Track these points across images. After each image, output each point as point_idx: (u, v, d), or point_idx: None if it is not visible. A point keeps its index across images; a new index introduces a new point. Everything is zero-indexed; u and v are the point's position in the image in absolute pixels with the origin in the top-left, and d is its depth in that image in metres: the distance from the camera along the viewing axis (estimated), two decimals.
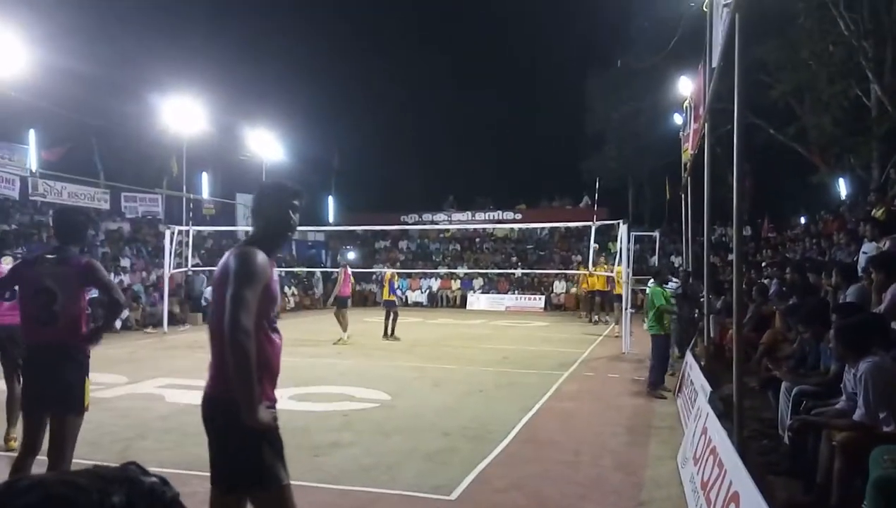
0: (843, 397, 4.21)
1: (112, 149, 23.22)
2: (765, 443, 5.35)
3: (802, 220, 21.16)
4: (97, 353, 12.26)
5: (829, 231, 12.49)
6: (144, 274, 18.81)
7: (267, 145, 26.96)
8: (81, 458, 5.34)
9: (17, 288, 4.02)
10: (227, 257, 2.61)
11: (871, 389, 3.72)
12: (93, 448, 5.67)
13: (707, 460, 4.15)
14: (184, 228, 17.47)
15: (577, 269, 21.89)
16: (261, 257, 2.53)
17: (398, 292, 16.10)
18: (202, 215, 24.52)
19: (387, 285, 14.16)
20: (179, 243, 17.31)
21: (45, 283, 3.78)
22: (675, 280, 10.58)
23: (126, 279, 17.69)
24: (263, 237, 2.70)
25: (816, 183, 20.92)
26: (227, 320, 2.40)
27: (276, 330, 2.66)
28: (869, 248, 7.04)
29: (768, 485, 4.30)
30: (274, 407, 2.62)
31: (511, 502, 4.48)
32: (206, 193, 26.95)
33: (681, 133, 14.27)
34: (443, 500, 4.46)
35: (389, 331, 13.81)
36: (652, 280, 9.25)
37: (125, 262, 18.94)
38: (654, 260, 20.99)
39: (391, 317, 13.79)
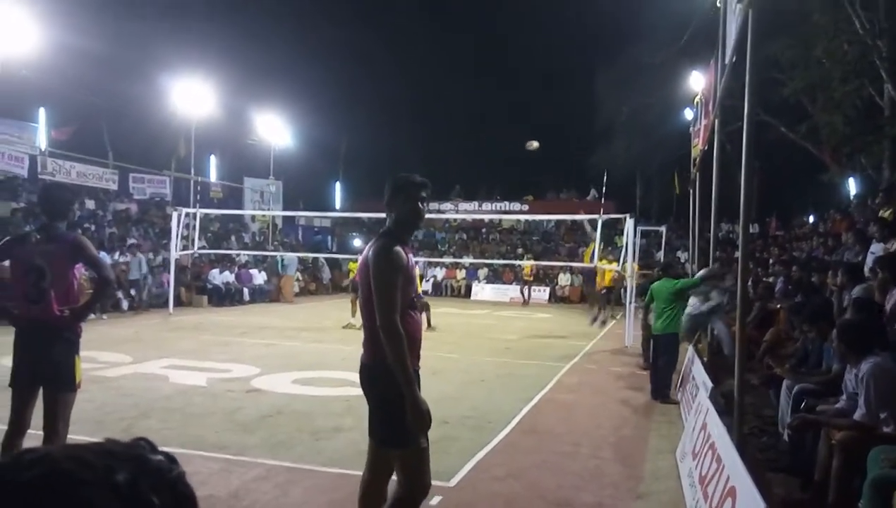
0: (844, 396, 4.22)
1: (121, 129, 23.29)
2: (764, 440, 5.37)
3: (811, 219, 21.06)
4: (102, 332, 12.35)
5: (837, 230, 12.43)
6: (151, 254, 18.89)
7: (275, 130, 26.96)
8: (85, 436, 5.42)
9: (7, 264, 3.96)
10: (368, 247, 2.99)
11: (873, 389, 3.72)
12: (97, 426, 5.74)
13: (706, 455, 4.17)
14: (191, 211, 17.53)
15: (582, 262, 21.87)
16: (396, 248, 2.87)
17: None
18: (210, 198, 24.60)
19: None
20: (186, 226, 17.37)
21: (35, 261, 3.75)
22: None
23: (134, 259, 17.78)
24: (396, 227, 3.02)
25: (826, 182, 20.80)
26: (380, 321, 2.79)
27: (415, 307, 3.00)
28: (877, 249, 7.02)
29: (766, 481, 4.32)
30: (417, 373, 2.95)
31: (509, 490, 4.51)
32: (214, 176, 27.01)
33: (691, 128, 14.20)
34: (442, 486, 4.50)
35: (427, 323, 13.96)
36: (658, 274, 8.77)
37: (132, 242, 19.03)
38: (661, 254, 20.94)
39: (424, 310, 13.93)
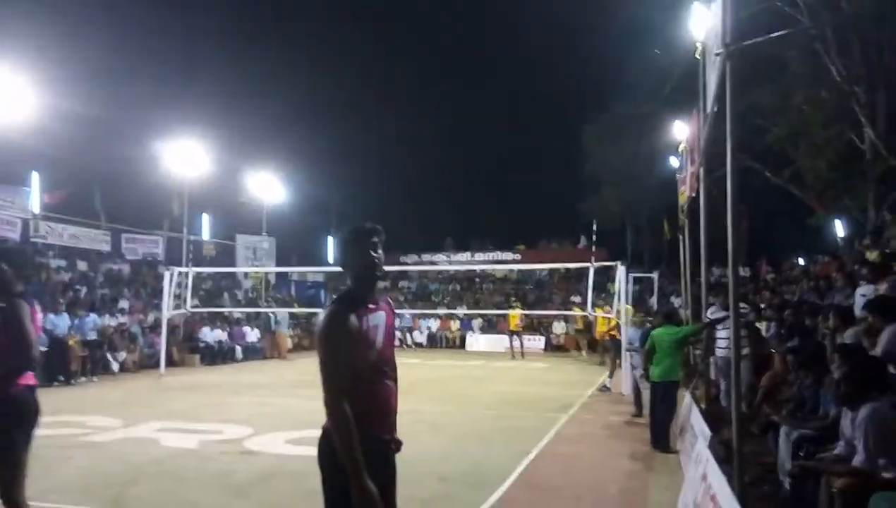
0: (842, 442, 4.18)
1: (113, 191, 23.47)
2: (765, 489, 5.28)
3: (800, 261, 21.22)
4: (91, 395, 12.15)
5: (827, 272, 12.52)
6: (142, 315, 18.77)
7: (268, 187, 27.22)
8: (70, 505, 5.28)
9: None
10: None
11: (871, 435, 3.69)
12: (83, 494, 5.60)
13: (707, 506, 4.09)
14: (183, 269, 17.50)
15: (574, 310, 21.82)
16: (340, 317, 2.65)
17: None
18: (202, 256, 24.60)
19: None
20: (179, 284, 17.32)
21: None
22: (743, 306, 9.08)
23: (125, 321, 17.64)
24: (352, 285, 2.80)
25: (814, 225, 21.05)
26: (324, 399, 2.61)
27: (378, 372, 2.74)
28: (867, 291, 7.06)
29: None
30: (388, 443, 2.78)
31: None
32: (206, 235, 27.09)
33: (677, 175, 14.43)
34: None
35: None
36: (657, 321, 8.69)
37: (124, 304, 18.91)
38: (653, 300, 20.97)
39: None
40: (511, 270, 29.93)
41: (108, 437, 8.06)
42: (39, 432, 8.81)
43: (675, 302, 21.27)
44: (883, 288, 6.50)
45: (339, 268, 2.98)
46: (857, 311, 6.57)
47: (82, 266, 20.71)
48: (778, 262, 23.02)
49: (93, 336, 14.90)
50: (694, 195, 10.05)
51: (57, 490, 5.71)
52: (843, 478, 3.66)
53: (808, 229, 21.93)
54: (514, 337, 20.58)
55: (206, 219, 27.21)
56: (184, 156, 21.89)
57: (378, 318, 2.78)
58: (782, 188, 20.69)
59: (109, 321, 16.72)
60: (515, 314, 20.39)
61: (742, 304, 9.17)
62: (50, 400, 11.39)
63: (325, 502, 2.72)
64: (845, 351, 4.51)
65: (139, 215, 24.09)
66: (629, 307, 13.37)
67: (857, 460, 3.76)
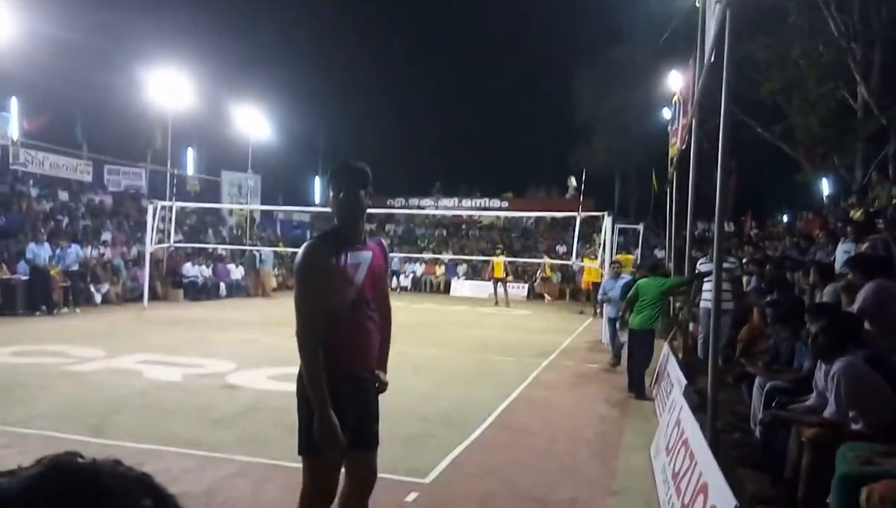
0: (814, 394, 4.29)
1: (95, 120, 22.84)
2: (737, 436, 5.44)
3: (785, 218, 21.39)
4: (74, 326, 12.15)
5: (810, 230, 12.63)
6: (125, 248, 18.63)
7: (254, 123, 26.68)
8: (55, 431, 5.33)
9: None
10: None
11: (843, 388, 3.78)
12: (66, 421, 5.65)
13: (679, 451, 4.21)
14: (167, 204, 17.29)
15: (562, 260, 21.96)
16: (312, 253, 2.70)
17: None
18: (187, 191, 24.27)
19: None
20: (162, 219, 17.14)
21: None
22: (731, 260, 9.34)
23: (107, 253, 17.51)
24: (338, 222, 2.81)
25: (800, 182, 21.13)
26: (296, 330, 2.69)
27: (357, 310, 2.77)
28: (849, 248, 7.13)
29: (738, 477, 4.38)
30: (366, 381, 2.86)
31: (485, 487, 4.52)
32: (191, 169, 26.67)
33: (669, 127, 14.32)
34: (418, 483, 4.50)
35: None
36: (642, 273, 8.83)
37: (106, 236, 18.73)
38: (637, 252, 21.13)
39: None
40: (497, 217, 29.89)
41: (91, 367, 8.10)
42: (23, 360, 8.85)
43: (659, 254, 21.47)
44: (864, 246, 6.56)
45: (325, 209, 2.98)
46: (838, 268, 6.66)
47: (63, 196, 20.39)
48: (762, 218, 23.21)
49: (75, 267, 14.80)
50: (684, 147, 9.99)
51: (41, 416, 5.76)
52: (814, 429, 3.76)
53: (794, 186, 22.05)
54: (499, 284, 20.37)
55: (190, 154, 26.76)
56: (168, 87, 21.31)
57: (361, 257, 2.78)
58: (772, 144, 20.66)
59: (92, 253, 16.60)
60: (500, 261, 20.11)
61: (730, 259, 9.31)
62: (33, 329, 11.48)
63: (298, 431, 2.79)
64: (819, 309, 4.60)
65: (121, 146, 23.59)
66: (628, 257, 13.54)
67: (828, 412, 3.86)
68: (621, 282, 9.65)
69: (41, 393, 6.63)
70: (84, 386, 7.04)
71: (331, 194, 2.78)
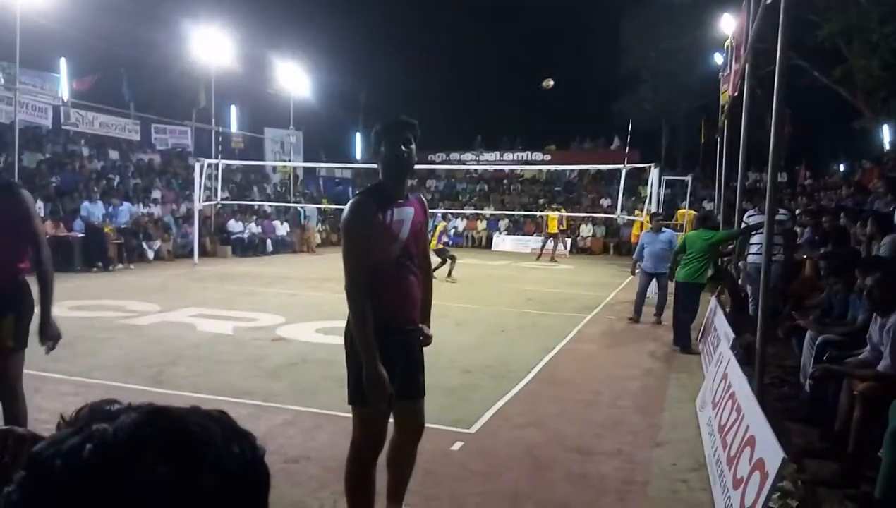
0: (868, 348, 4.18)
1: (141, 79, 23.19)
2: (785, 390, 5.36)
3: (841, 168, 20.54)
4: (129, 282, 12.56)
5: (869, 180, 12.12)
6: (175, 206, 19.10)
7: (295, 79, 26.68)
8: (115, 381, 5.60)
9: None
10: None
11: None
12: (126, 372, 5.92)
13: (725, 404, 4.18)
14: (213, 161, 17.60)
15: (607, 214, 21.61)
16: (359, 208, 2.74)
17: (445, 239, 15.75)
18: (231, 149, 24.62)
19: (436, 236, 14.30)
20: (209, 176, 17.47)
21: None
22: (783, 212, 9.00)
23: (157, 211, 18.00)
24: (383, 178, 2.84)
25: (859, 129, 20.18)
26: (345, 283, 2.75)
27: (402, 265, 2.82)
28: None
29: (785, 431, 4.33)
30: (410, 333, 2.92)
31: (529, 438, 4.59)
32: (234, 127, 26.97)
33: (720, 74, 13.78)
34: (463, 433, 4.59)
35: (447, 273, 14.00)
36: (694, 224, 8.76)
37: (156, 194, 19.21)
38: (685, 205, 20.66)
39: (447, 261, 13.92)
40: (540, 171, 29.47)
41: (147, 321, 8.42)
42: (83, 314, 9.24)
43: (708, 206, 20.94)
44: None
45: (366, 165, 3.01)
46: None
47: (113, 155, 20.92)
48: (818, 168, 22.35)
49: (127, 224, 15.29)
50: (736, 94, 9.63)
51: (100, 367, 6.05)
52: (867, 382, 3.68)
53: (852, 134, 21.08)
54: (550, 239, 19.96)
55: (233, 111, 27.00)
56: (211, 44, 21.44)
57: (404, 213, 2.81)
58: (828, 89, 19.71)
59: (143, 210, 17.08)
60: (554, 216, 19.58)
61: (781, 211, 9.02)
62: (91, 284, 11.95)
63: (348, 382, 2.87)
64: (875, 261, 4.44)
65: (167, 105, 23.92)
66: (691, 212, 13.14)
67: (883, 365, 3.77)
68: (663, 237, 9.35)
69: (101, 345, 6.95)
70: (141, 339, 7.35)
71: (381, 149, 2.78)
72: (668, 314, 8.60)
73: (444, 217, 18.42)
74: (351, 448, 2.88)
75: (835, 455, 3.85)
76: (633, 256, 10.11)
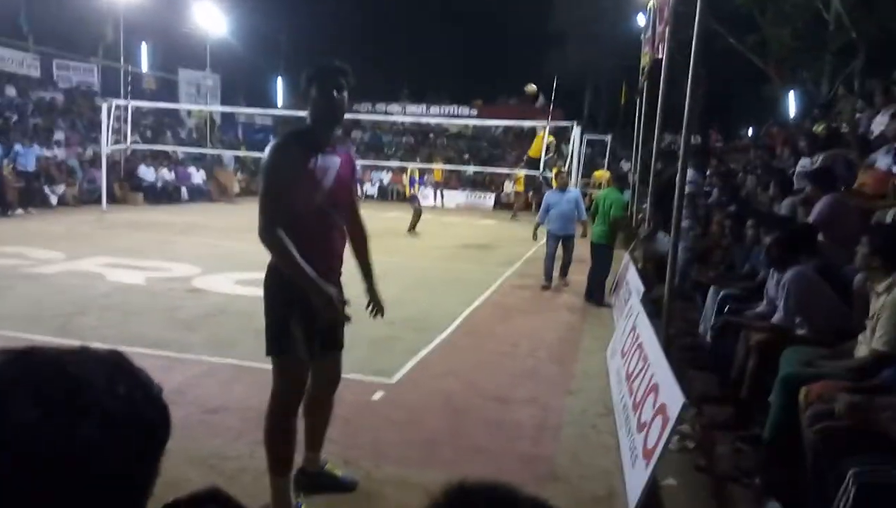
0: (765, 302, 4.49)
1: (41, 10, 21.39)
2: (688, 341, 5.70)
3: (749, 132, 21.55)
4: (30, 228, 11.89)
5: (774, 143, 12.78)
6: (80, 149, 17.96)
7: (212, 18, 25.29)
8: (20, 332, 5.30)
9: None
10: None
11: (793, 295, 3.97)
12: (32, 322, 5.62)
13: (634, 354, 4.41)
14: (122, 102, 16.57)
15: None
16: (282, 151, 2.65)
17: (417, 186, 15.40)
18: (142, 89, 23.22)
19: (407, 183, 14.08)
20: (118, 118, 16.45)
21: None
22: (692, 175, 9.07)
23: (60, 153, 16.87)
24: (312, 123, 2.72)
25: (767, 95, 21.15)
26: (258, 226, 2.63)
27: (323, 215, 2.73)
28: (806, 163, 7.26)
29: (688, 378, 4.62)
30: (332, 284, 2.76)
31: (448, 387, 4.70)
32: (145, 66, 25.40)
33: (642, 36, 14.04)
34: (384, 383, 4.65)
35: (410, 226, 13.82)
36: (608, 184, 8.71)
37: (59, 136, 17.98)
38: (605, 163, 21.21)
39: (414, 213, 13.75)
40: (466, 126, 29.42)
41: (52, 270, 7.99)
42: None
43: (625, 166, 21.58)
44: (819, 159, 6.69)
45: (288, 112, 2.90)
46: (796, 182, 6.81)
47: (10, 92, 19.35)
48: (728, 132, 23.35)
49: (32, 167, 14.30)
50: (658, 57, 9.86)
51: (4, 317, 5.72)
52: (761, 333, 3.96)
53: (761, 100, 22.06)
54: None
55: (144, 49, 25.40)
56: None
57: (330, 162, 2.74)
58: (741, 56, 20.47)
59: (46, 152, 15.98)
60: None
61: (690, 173, 9.38)
62: None
63: (266, 333, 2.82)
64: (775, 220, 4.74)
65: (70, 39, 22.21)
66: (605, 172, 13.26)
67: (777, 317, 4.06)
68: (570, 196, 8.74)
69: (2, 294, 6.55)
70: (46, 288, 6.97)
71: (311, 94, 2.67)
72: (576, 271, 8.79)
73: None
74: (272, 400, 2.85)
75: (730, 400, 4.15)
76: (536, 218, 9.19)
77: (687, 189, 5.15)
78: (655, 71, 10.16)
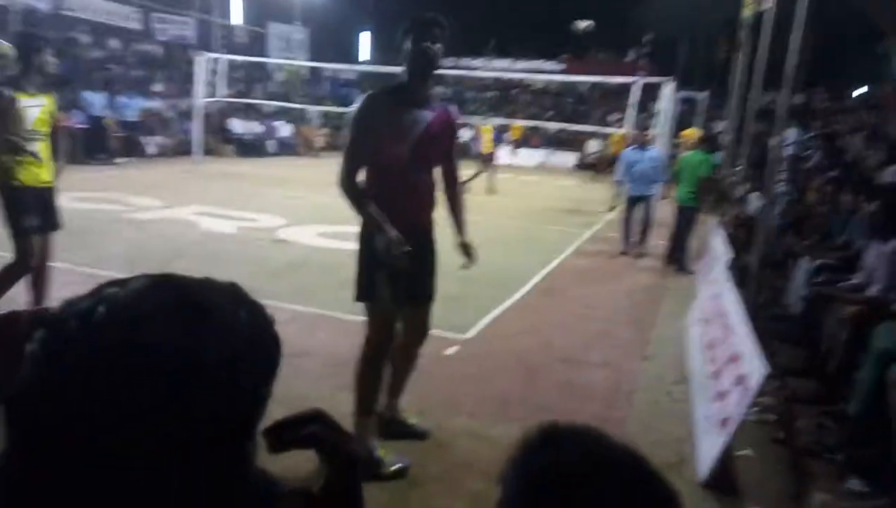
0: (862, 273, 4.23)
1: None
2: (776, 310, 5.46)
3: (862, 90, 19.99)
4: (130, 176, 12.54)
5: (887, 104, 11.83)
6: (177, 100, 18.75)
7: None
8: (120, 273, 5.67)
9: None
10: None
11: (894, 267, 3.72)
12: (130, 264, 6.01)
13: (716, 322, 4.28)
14: (216, 56, 17.10)
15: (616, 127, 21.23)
16: (372, 102, 2.71)
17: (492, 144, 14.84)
18: (234, 43, 23.85)
19: (489, 141, 14.05)
20: (211, 72, 17.02)
21: None
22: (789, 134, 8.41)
23: (158, 105, 17.67)
24: (404, 77, 2.75)
25: (881, 53, 19.47)
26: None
27: (409, 168, 2.77)
28: None
29: (773, 350, 4.45)
30: (418, 235, 2.91)
31: (521, 345, 4.72)
32: (236, 19, 26.01)
33: None
34: (458, 338, 4.73)
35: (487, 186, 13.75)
36: (697, 147, 7.85)
37: (157, 88, 18.81)
38: (700, 123, 20.25)
39: (481, 172, 13.59)
40: (551, 81, 28.64)
41: (151, 216, 8.48)
42: (87, 205, 9.28)
43: (719, 126, 20.54)
44: None
45: (374, 67, 2.94)
46: None
47: (114, 44, 20.32)
48: (837, 91, 21.75)
49: (134, 117, 15.07)
50: (762, 9, 9.25)
51: (108, 259, 6.14)
52: (856, 306, 3.75)
53: (876, 58, 20.35)
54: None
55: (235, 3, 25.97)
56: None
57: (421, 116, 2.74)
58: (853, 7, 18.85)
59: (146, 104, 16.78)
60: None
61: (788, 133, 8.79)
62: (94, 176, 11.93)
63: (356, 280, 2.91)
64: (880, 187, 4.41)
65: None
66: (694, 131, 12.58)
67: (873, 290, 3.83)
68: (651, 154, 8.25)
69: (106, 238, 7.03)
70: (145, 233, 7.42)
71: (406, 46, 2.67)
72: (657, 236, 8.47)
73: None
74: (365, 344, 2.94)
75: (816, 374, 3.98)
76: (616, 177, 8.73)
77: (787, 151, 4.88)
78: (757, 24, 9.55)
